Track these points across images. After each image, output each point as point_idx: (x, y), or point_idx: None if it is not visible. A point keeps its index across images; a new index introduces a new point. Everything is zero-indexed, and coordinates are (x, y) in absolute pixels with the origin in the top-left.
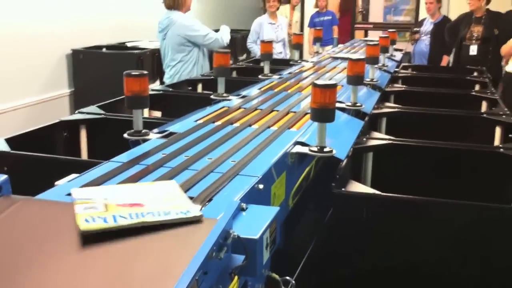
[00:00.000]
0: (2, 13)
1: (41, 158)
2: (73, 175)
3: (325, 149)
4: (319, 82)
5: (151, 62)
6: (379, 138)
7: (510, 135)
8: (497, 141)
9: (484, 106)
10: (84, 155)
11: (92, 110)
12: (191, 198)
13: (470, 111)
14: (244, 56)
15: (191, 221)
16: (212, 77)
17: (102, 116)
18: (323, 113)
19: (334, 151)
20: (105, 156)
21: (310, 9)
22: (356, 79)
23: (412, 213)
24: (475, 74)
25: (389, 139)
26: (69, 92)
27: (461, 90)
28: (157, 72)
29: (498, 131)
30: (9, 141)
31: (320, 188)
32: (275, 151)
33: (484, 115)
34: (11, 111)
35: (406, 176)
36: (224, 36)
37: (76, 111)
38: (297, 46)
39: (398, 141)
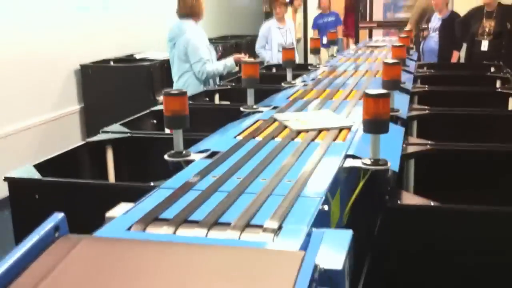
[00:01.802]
0: (8, 34)
1: (73, 184)
2: (123, 205)
3: (380, 162)
4: (371, 91)
5: (160, 73)
6: (418, 143)
7: None
8: None
9: (511, 103)
10: (111, 176)
11: (116, 129)
12: (259, 226)
13: (502, 110)
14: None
15: None
16: (228, 86)
17: (128, 135)
18: (377, 124)
19: (389, 163)
20: (133, 178)
21: (312, 11)
22: (392, 84)
23: (476, 223)
24: (493, 69)
25: (429, 144)
26: (79, 108)
27: (486, 87)
28: (167, 84)
29: None
30: (37, 167)
31: (370, 201)
32: (329, 167)
33: None
34: (23, 130)
35: (449, 182)
36: (218, 69)
37: (100, 131)
38: (315, 50)
39: (439, 146)
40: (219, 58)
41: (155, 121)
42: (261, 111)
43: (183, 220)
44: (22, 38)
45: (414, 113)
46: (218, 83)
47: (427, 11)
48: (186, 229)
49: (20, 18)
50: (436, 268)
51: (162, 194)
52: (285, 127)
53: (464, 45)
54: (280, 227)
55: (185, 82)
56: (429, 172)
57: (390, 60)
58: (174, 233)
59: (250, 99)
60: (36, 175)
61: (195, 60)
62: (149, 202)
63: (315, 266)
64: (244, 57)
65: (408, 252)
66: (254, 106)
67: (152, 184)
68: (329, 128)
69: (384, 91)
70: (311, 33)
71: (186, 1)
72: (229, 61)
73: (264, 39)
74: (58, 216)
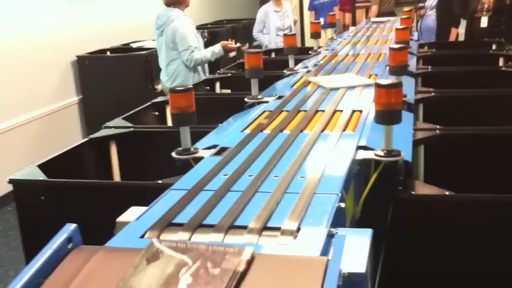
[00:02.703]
0: (3, 28)
1: (80, 184)
2: (133, 209)
3: (393, 153)
4: (382, 81)
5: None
6: (427, 128)
7: None
8: None
9: None
10: (116, 174)
11: (119, 124)
12: (277, 229)
13: (508, 90)
14: (247, 46)
15: None
16: (229, 74)
17: (131, 129)
18: (389, 114)
19: (402, 154)
20: (138, 174)
21: None
22: (399, 69)
23: (490, 212)
24: (494, 47)
25: (438, 129)
26: (77, 100)
27: (489, 66)
28: None
29: None
30: (41, 167)
31: (383, 192)
32: (341, 160)
33: None
34: (23, 125)
35: (459, 167)
36: (206, 56)
37: (103, 126)
38: (316, 35)
39: (448, 131)
40: (206, 45)
41: (157, 113)
42: (267, 101)
43: (198, 224)
44: (16, 32)
45: (419, 96)
46: (206, 71)
47: None
48: (201, 234)
49: (13, 12)
50: (451, 258)
51: (174, 196)
52: (298, 111)
53: (463, 22)
54: (298, 229)
55: (174, 70)
56: (438, 156)
57: (395, 45)
58: (190, 239)
59: (255, 89)
60: (41, 176)
61: (183, 48)
62: (161, 206)
63: (339, 272)
64: (231, 43)
65: (422, 242)
66: (259, 96)
67: (160, 182)
68: (356, 85)
69: (395, 80)
70: (307, 15)
71: None
72: (217, 47)
73: (262, 24)
74: (71, 227)
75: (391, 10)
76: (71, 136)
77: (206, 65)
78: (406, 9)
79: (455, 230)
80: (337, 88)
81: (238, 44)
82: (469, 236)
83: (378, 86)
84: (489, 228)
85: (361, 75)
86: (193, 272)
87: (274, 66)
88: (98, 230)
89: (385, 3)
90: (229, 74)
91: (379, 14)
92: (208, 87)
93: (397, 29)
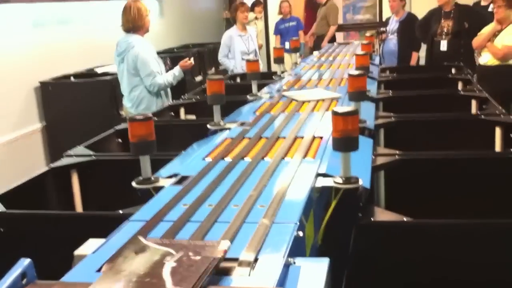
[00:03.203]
0: None
1: (39, 215)
2: (91, 241)
3: (351, 180)
4: (339, 109)
5: None
6: (387, 154)
7: (511, 135)
8: (498, 141)
9: (474, 105)
10: (78, 203)
11: (80, 152)
12: (235, 260)
13: (467, 114)
14: (213, 69)
15: None
16: (193, 100)
17: (93, 158)
18: (347, 142)
19: (360, 181)
20: (101, 203)
21: (273, 17)
22: (358, 95)
23: (453, 237)
24: (454, 71)
25: (398, 154)
26: (41, 127)
27: (448, 90)
28: None
29: (498, 132)
30: (0, 198)
31: (343, 218)
32: (301, 188)
33: (482, 116)
34: None
35: (420, 191)
36: (168, 80)
37: (64, 154)
38: (279, 60)
39: (408, 156)
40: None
41: (120, 140)
42: (228, 128)
43: None
44: None
45: (380, 121)
46: (169, 96)
47: None
48: None
49: None
50: (412, 283)
51: (133, 227)
52: (260, 137)
53: (424, 46)
54: (256, 259)
55: (137, 96)
56: (399, 181)
57: (354, 71)
58: None
59: (217, 115)
60: (0, 207)
61: (146, 73)
62: (119, 238)
63: None
64: (188, 61)
65: (383, 268)
66: (221, 123)
67: (121, 212)
68: (325, 98)
69: (351, 108)
70: (273, 39)
71: (127, 16)
72: (177, 70)
73: (227, 48)
74: (25, 262)
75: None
76: (35, 163)
77: (169, 90)
78: (368, 34)
79: (415, 255)
80: (308, 101)
81: (192, 59)
82: (429, 261)
83: (334, 114)
84: (448, 252)
85: (326, 93)
86: (176, 259)
87: (239, 90)
88: (59, 262)
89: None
90: (194, 100)
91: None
92: (172, 113)
93: (357, 55)
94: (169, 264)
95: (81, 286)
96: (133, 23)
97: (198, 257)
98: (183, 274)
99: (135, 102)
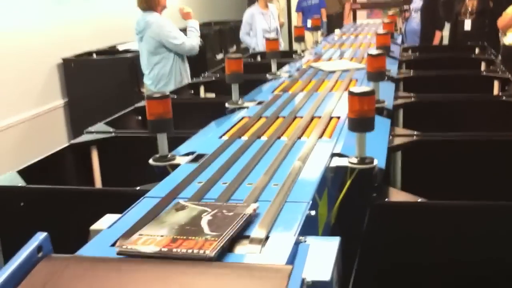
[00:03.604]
0: None
1: (58, 190)
2: (107, 216)
3: (366, 160)
4: (355, 90)
5: None
6: (405, 134)
7: None
8: None
9: (496, 86)
10: (98, 180)
11: (101, 129)
12: (247, 237)
13: (489, 95)
14: (234, 47)
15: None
16: (213, 78)
17: (112, 134)
18: (362, 122)
19: (375, 161)
20: (120, 180)
21: None
22: (377, 76)
23: (464, 219)
24: (477, 51)
25: (416, 135)
26: (63, 103)
27: (470, 71)
28: None
29: None
30: (21, 173)
31: (358, 198)
32: (315, 168)
33: (503, 97)
34: (8, 128)
35: (437, 172)
36: (194, 42)
37: (84, 131)
38: (299, 38)
39: (426, 137)
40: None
41: (139, 117)
42: (246, 107)
43: None
44: (0, 33)
45: (399, 101)
46: (188, 74)
47: None
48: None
49: None
50: (426, 265)
51: (148, 204)
52: (277, 117)
53: (448, 25)
54: (267, 237)
55: (157, 73)
56: (416, 162)
57: (374, 51)
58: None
59: (235, 94)
60: (20, 182)
61: (178, 44)
62: (134, 214)
63: (302, 280)
64: (184, 8)
65: (397, 249)
66: (239, 102)
67: (138, 188)
68: (351, 68)
69: (368, 88)
70: (295, 18)
71: None
72: (191, 24)
73: (248, 26)
74: (41, 236)
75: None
76: (56, 139)
77: (188, 68)
78: (390, 12)
79: (429, 236)
80: (334, 71)
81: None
82: (442, 242)
83: (350, 94)
84: (463, 234)
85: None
86: (212, 214)
87: (260, 69)
88: (76, 237)
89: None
90: (213, 78)
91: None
92: (192, 91)
93: (378, 34)
94: (206, 217)
95: (95, 261)
96: (147, 2)
97: (231, 213)
98: (219, 224)
99: (155, 80)
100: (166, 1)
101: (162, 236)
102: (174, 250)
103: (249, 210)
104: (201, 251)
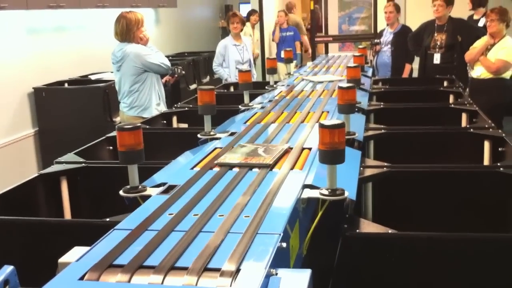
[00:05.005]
0: None
1: (27, 221)
2: (76, 249)
3: (337, 191)
4: (326, 122)
5: (117, 94)
6: (375, 166)
7: (500, 149)
8: (486, 155)
9: (464, 119)
10: (67, 211)
11: (71, 159)
12: (217, 270)
13: (457, 127)
14: (208, 78)
15: None
16: (186, 108)
17: (83, 165)
18: (333, 154)
19: (346, 193)
20: (91, 210)
21: (269, 26)
22: (348, 108)
23: (436, 249)
24: (446, 83)
25: (386, 166)
26: (33, 132)
27: (439, 103)
28: None
29: (486, 145)
30: None
31: (329, 230)
32: (286, 199)
33: (471, 129)
34: None
35: (407, 203)
36: (166, 61)
37: (54, 161)
38: (272, 70)
39: (396, 168)
40: (175, 80)
41: (111, 147)
42: (219, 138)
43: (138, 265)
44: None
45: (370, 133)
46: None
47: None
48: (141, 276)
49: None
50: None
51: (118, 236)
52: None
53: (417, 59)
54: (238, 270)
55: (135, 99)
56: (386, 193)
57: (344, 84)
58: (129, 281)
59: (207, 125)
60: None
61: (158, 62)
62: (103, 246)
63: None
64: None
65: (368, 280)
66: (211, 132)
67: (108, 220)
68: (334, 80)
69: (338, 121)
70: (268, 49)
71: (116, 28)
72: (157, 54)
73: (221, 57)
74: (7, 269)
75: None
76: (26, 169)
77: (164, 96)
78: (361, 46)
79: (399, 267)
80: (321, 82)
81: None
82: (413, 273)
83: (321, 126)
84: (433, 265)
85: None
86: (263, 149)
87: (233, 100)
88: (45, 269)
89: None
90: (186, 108)
91: None
92: (165, 121)
93: (348, 67)
94: (260, 150)
95: None
96: (121, 35)
97: (274, 148)
98: (269, 153)
99: (133, 106)
100: (144, 36)
101: (239, 155)
102: (249, 161)
103: (285, 147)
104: (264, 162)
